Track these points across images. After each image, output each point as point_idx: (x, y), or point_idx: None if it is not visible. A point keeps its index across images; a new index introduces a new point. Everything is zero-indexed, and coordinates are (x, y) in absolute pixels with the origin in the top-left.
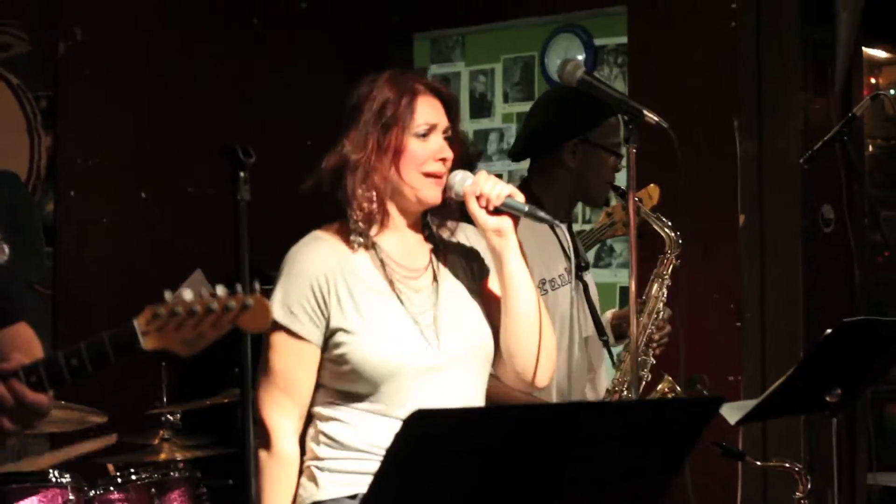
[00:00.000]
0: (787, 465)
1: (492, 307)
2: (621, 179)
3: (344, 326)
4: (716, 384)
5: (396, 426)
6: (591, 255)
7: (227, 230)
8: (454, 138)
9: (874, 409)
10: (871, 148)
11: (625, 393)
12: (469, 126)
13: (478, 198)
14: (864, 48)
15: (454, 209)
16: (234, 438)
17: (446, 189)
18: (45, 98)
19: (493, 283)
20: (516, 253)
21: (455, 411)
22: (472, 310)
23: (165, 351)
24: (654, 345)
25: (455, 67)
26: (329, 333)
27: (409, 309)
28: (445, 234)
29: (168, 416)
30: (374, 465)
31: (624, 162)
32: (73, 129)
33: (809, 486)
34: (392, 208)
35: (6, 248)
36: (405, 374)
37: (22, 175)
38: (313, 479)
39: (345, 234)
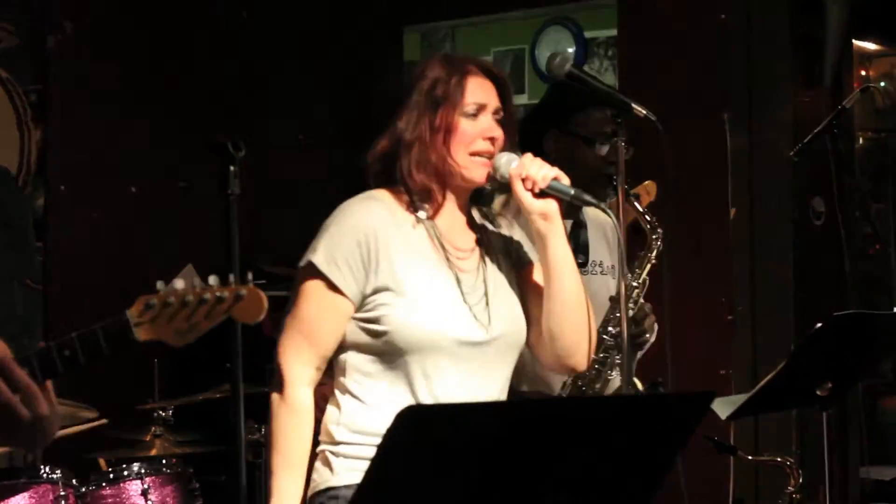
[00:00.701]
0: (779, 459)
1: (529, 294)
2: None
3: (390, 286)
4: (707, 378)
5: None
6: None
7: (217, 225)
8: (506, 120)
9: (866, 403)
10: (861, 140)
11: (584, 387)
12: None
13: (523, 180)
14: (853, 40)
15: (491, 196)
16: (227, 434)
17: (493, 170)
18: (34, 92)
19: (532, 271)
20: (562, 236)
21: (447, 406)
22: (514, 295)
23: (158, 342)
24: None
25: None
26: (371, 291)
27: (461, 285)
28: (486, 221)
29: (160, 411)
30: None
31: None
32: (63, 124)
33: (801, 480)
34: (444, 188)
35: None
36: (438, 348)
37: (12, 170)
38: (328, 464)
39: (402, 201)
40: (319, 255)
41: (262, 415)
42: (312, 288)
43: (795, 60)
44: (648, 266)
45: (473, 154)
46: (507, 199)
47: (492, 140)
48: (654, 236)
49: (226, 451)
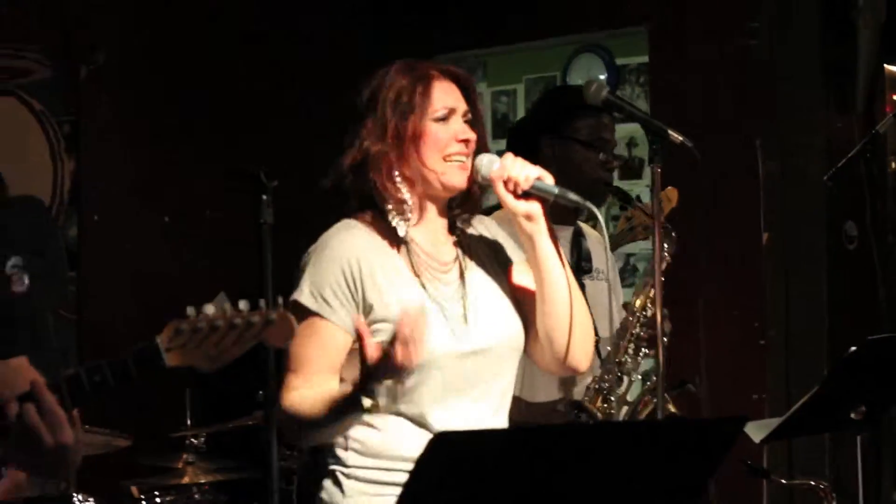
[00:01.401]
0: (813, 483)
1: (520, 296)
2: (644, 191)
3: (379, 311)
4: (740, 402)
5: (425, 434)
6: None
7: (248, 253)
8: (475, 121)
9: None
10: (893, 165)
11: (607, 391)
12: (492, 146)
13: (505, 182)
14: (885, 65)
15: (478, 200)
16: (259, 461)
17: (472, 173)
18: (67, 123)
19: (520, 272)
20: (547, 237)
21: (478, 433)
22: (502, 301)
23: (189, 367)
24: (644, 345)
25: (477, 88)
26: (366, 317)
27: (436, 299)
28: (466, 226)
29: (192, 439)
30: (403, 476)
31: (647, 180)
32: (96, 154)
33: None
34: (420, 198)
35: (25, 278)
36: (434, 363)
37: (46, 200)
38: (339, 484)
39: (377, 225)
40: (304, 294)
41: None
42: (304, 328)
43: (827, 86)
44: (664, 265)
45: (448, 158)
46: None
47: (465, 142)
48: (665, 239)
49: (258, 478)
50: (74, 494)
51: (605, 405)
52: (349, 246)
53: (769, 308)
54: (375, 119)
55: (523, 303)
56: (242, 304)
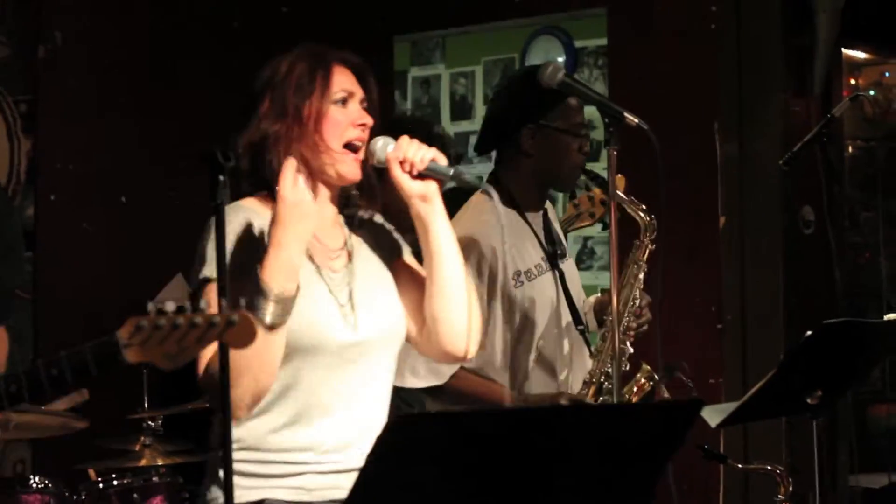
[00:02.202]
0: (769, 467)
1: (404, 284)
2: (602, 174)
3: None
4: (697, 387)
5: (312, 423)
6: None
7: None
8: (371, 108)
9: (856, 411)
10: (850, 149)
11: (603, 383)
12: (450, 128)
13: (401, 163)
14: (843, 49)
15: (376, 193)
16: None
17: (368, 157)
18: (24, 102)
19: (404, 262)
20: (443, 217)
21: (436, 415)
22: (386, 290)
23: (147, 364)
24: (631, 333)
25: (435, 70)
26: None
27: (329, 286)
28: (354, 214)
29: (149, 421)
30: (280, 468)
31: (604, 163)
32: (54, 134)
33: (791, 489)
34: (313, 182)
35: None
36: (325, 350)
37: (2, 180)
38: (245, 475)
39: (269, 206)
40: (211, 268)
41: None
42: (211, 295)
43: (785, 70)
44: (647, 252)
45: (347, 145)
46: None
47: (363, 126)
48: (647, 218)
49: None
50: (32, 476)
51: (600, 398)
52: (241, 226)
53: (726, 292)
54: (274, 100)
55: (408, 291)
56: (203, 303)
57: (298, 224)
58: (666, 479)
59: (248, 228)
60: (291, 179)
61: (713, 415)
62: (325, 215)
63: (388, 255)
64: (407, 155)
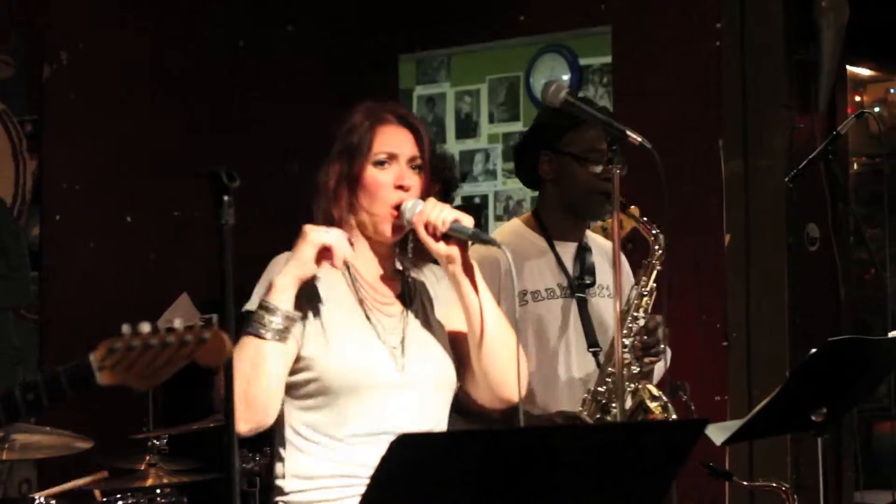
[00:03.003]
0: (774, 484)
1: (454, 336)
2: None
3: (316, 331)
4: (702, 404)
5: (359, 451)
6: None
7: (212, 254)
8: (423, 167)
9: (861, 428)
10: (855, 166)
11: (604, 402)
12: (454, 146)
13: (426, 226)
14: (847, 66)
15: (416, 247)
16: (221, 463)
17: (399, 218)
18: (30, 122)
19: (455, 314)
20: (468, 278)
21: (439, 435)
22: (438, 340)
23: (122, 386)
24: (639, 351)
25: (440, 88)
26: (302, 339)
27: (376, 327)
28: (414, 270)
29: (154, 440)
30: (336, 493)
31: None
32: (59, 154)
33: None
34: (360, 237)
35: None
36: (368, 387)
37: (7, 199)
38: None
39: None
40: (253, 301)
41: (256, 444)
42: (248, 339)
43: (790, 87)
44: (654, 273)
45: (386, 205)
46: None
47: (402, 188)
48: (655, 244)
49: (220, 480)
50: (36, 496)
51: (604, 416)
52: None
53: (731, 309)
54: (331, 156)
55: (457, 343)
56: (177, 322)
57: (300, 269)
58: (669, 497)
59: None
60: (323, 226)
61: (718, 432)
62: (379, 266)
63: (444, 306)
64: (430, 218)
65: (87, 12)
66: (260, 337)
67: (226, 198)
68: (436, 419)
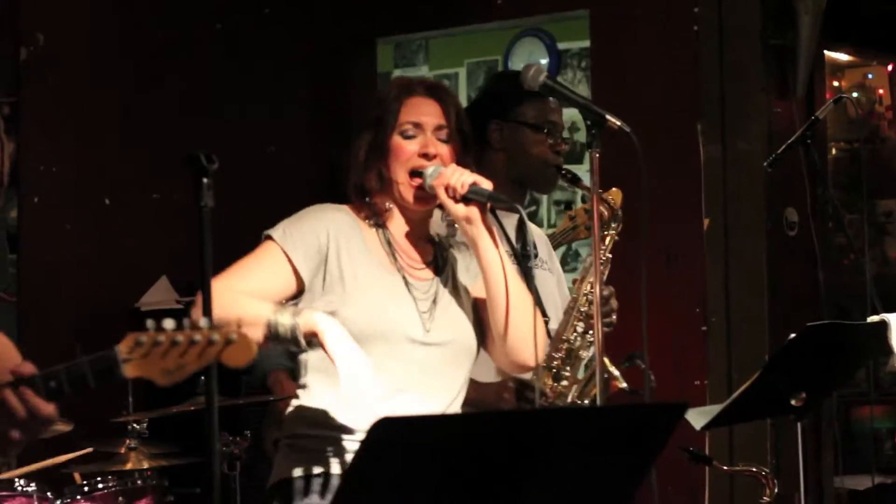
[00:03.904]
0: (754, 469)
1: (479, 305)
2: (585, 176)
3: (346, 280)
4: (682, 389)
5: (376, 408)
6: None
7: (191, 236)
8: (451, 136)
9: (840, 413)
10: (834, 151)
11: (557, 369)
12: None
13: (445, 189)
14: (826, 51)
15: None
16: (201, 446)
17: (421, 185)
18: (7, 104)
19: (480, 282)
20: (487, 238)
21: (421, 418)
22: (464, 309)
23: (145, 379)
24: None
25: (419, 71)
26: (322, 283)
27: (410, 289)
28: (449, 240)
29: (134, 424)
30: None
31: (587, 165)
32: (37, 136)
33: (776, 491)
34: (393, 204)
35: None
36: (394, 340)
37: None
38: (287, 457)
39: (360, 214)
40: (278, 230)
41: (236, 427)
42: (262, 250)
43: (768, 71)
44: (611, 243)
45: (412, 171)
46: None
47: (426, 156)
48: (612, 216)
49: (200, 463)
50: (17, 479)
51: (556, 383)
52: (331, 218)
53: (710, 294)
54: (366, 130)
55: (479, 309)
56: (203, 322)
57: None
58: (649, 481)
59: (340, 226)
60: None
61: (698, 417)
62: (413, 233)
63: (473, 277)
64: (450, 181)
65: None
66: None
67: (205, 180)
68: (453, 384)
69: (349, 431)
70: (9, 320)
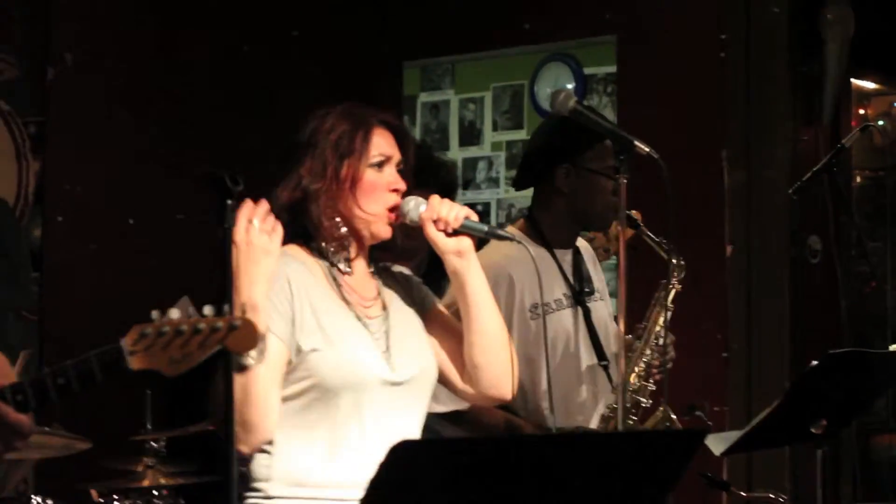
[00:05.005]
0: (772, 495)
1: (440, 334)
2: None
3: (315, 334)
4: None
5: (352, 459)
6: None
7: (212, 257)
8: (406, 171)
9: (859, 440)
10: (858, 179)
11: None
12: (458, 154)
13: (435, 222)
14: (852, 79)
15: (399, 249)
16: (218, 466)
17: (399, 216)
18: (34, 123)
19: (438, 312)
20: (478, 270)
21: (438, 441)
22: (419, 340)
23: (152, 370)
24: (655, 371)
25: (445, 95)
26: (299, 339)
27: (367, 327)
28: (384, 273)
29: (152, 442)
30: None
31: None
32: (62, 155)
33: None
34: (353, 237)
35: None
36: (366, 387)
37: (10, 200)
38: None
39: (312, 254)
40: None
41: None
42: None
43: (794, 98)
44: (673, 293)
45: (381, 206)
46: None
47: (397, 192)
48: (674, 261)
49: (217, 482)
50: (33, 497)
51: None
52: (291, 269)
53: (732, 321)
54: (315, 158)
55: (445, 340)
56: (207, 310)
57: (253, 266)
58: None
59: (296, 274)
60: (244, 224)
61: (717, 443)
62: (359, 267)
63: (419, 306)
64: (441, 214)
65: (92, 14)
66: (241, 369)
67: (229, 202)
68: (420, 418)
69: (333, 486)
70: (31, 339)
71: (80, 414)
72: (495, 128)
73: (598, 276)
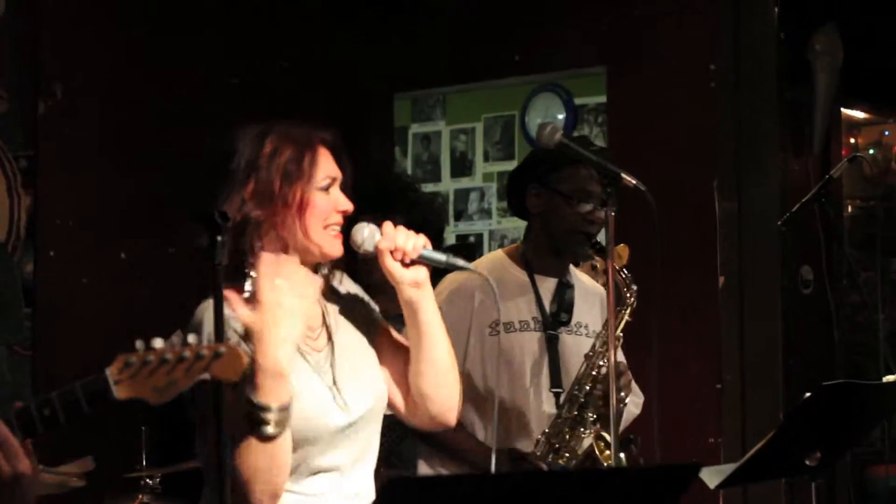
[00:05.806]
0: None
1: (388, 357)
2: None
3: None
4: (696, 447)
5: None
6: None
7: (205, 292)
8: (346, 189)
9: (854, 472)
10: (849, 209)
11: (555, 445)
12: (450, 185)
13: (392, 252)
14: (842, 108)
15: (344, 264)
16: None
17: (353, 245)
18: (24, 158)
19: (387, 335)
20: (432, 302)
21: (429, 479)
22: (368, 361)
23: (138, 399)
24: (600, 402)
25: (436, 126)
26: None
27: (312, 365)
28: (326, 298)
29: (147, 479)
30: None
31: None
32: (53, 190)
33: None
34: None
35: None
36: (323, 436)
37: (1, 235)
38: None
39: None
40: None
41: None
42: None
43: (784, 128)
44: (623, 323)
45: (327, 227)
46: None
47: (344, 213)
48: (628, 294)
49: None
50: None
51: (555, 457)
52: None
53: (725, 352)
54: (259, 183)
55: (390, 361)
56: (191, 338)
57: (282, 328)
58: None
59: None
60: (269, 280)
61: (712, 476)
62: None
63: (366, 325)
64: (398, 244)
65: (82, 48)
66: (267, 439)
67: (219, 238)
68: (374, 448)
69: None
70: (23, 374)
71: (74, 451)
72: (487, 158)
73: (591, 315)
